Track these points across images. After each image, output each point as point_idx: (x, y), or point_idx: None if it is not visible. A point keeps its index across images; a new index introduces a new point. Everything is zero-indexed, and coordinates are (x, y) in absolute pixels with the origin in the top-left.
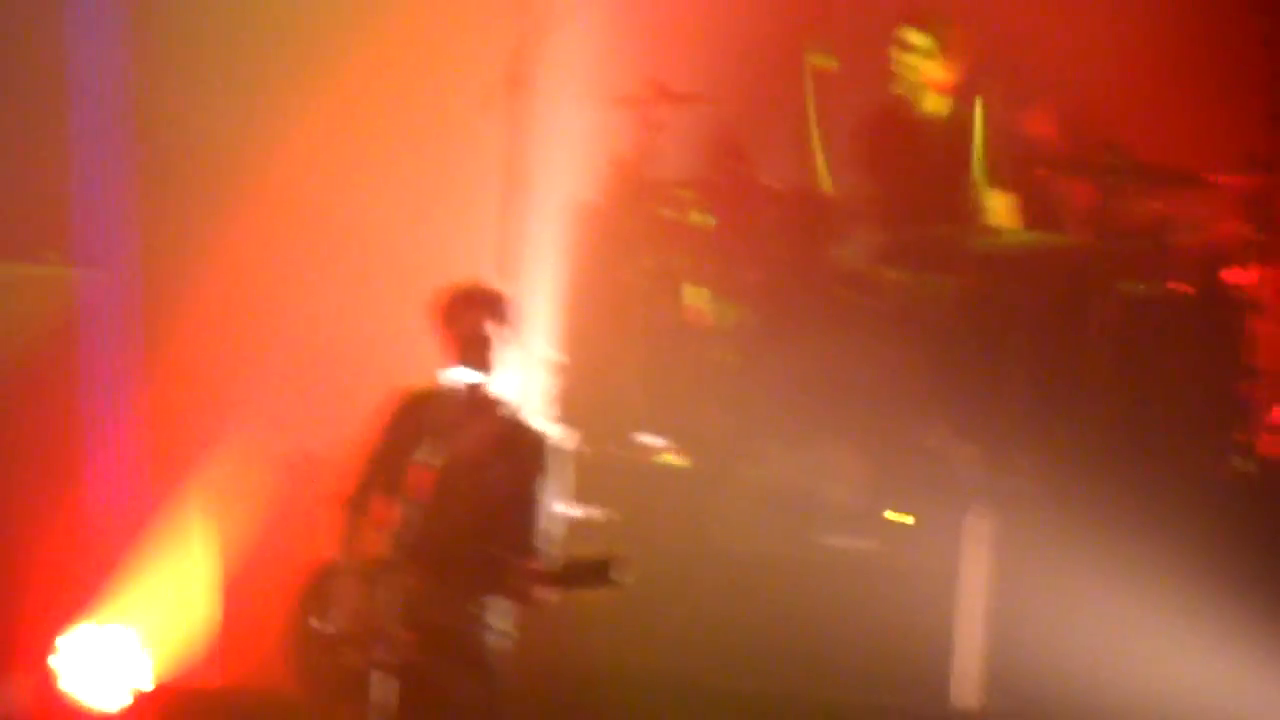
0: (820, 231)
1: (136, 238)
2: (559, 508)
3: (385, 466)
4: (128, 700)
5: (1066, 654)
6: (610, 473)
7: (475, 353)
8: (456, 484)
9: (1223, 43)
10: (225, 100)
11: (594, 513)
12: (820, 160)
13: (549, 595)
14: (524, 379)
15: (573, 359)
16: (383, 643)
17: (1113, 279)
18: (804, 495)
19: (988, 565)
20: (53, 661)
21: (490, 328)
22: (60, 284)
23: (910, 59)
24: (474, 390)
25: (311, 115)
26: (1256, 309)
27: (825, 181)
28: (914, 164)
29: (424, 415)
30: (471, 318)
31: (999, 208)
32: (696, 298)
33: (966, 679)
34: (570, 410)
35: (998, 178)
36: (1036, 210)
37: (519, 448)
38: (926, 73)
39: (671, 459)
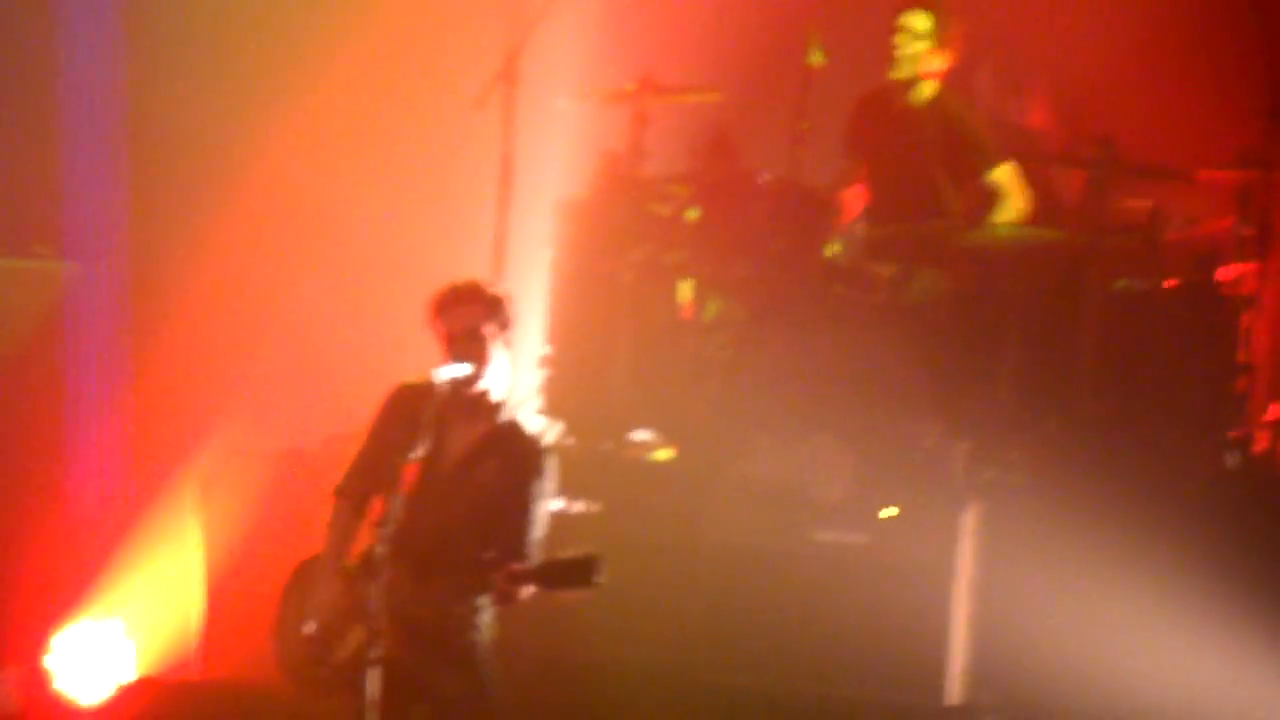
0: (809, 225)
1: (127, 232)
2: (548, 508)
3: (378, 461)
4: (115, 693)
5: (1057, 648)
6: (600, 467)
7: (468, 349)
8: (445, 482)
9: (1216, 39)
10: (217, 96)
11: (580, 507)
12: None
13: (530, 595)
14: (515, 374)
15: (563, 353)
16: (367, 637)
17: (1105, 274)
18: (794, 490)
19: (979, 560)
20: (41, 656)
21: (483, 324)
22: (50, 278)
23: (910, 46)
24: (467, 387)
25: (303, 111)
26: (1249, 305)
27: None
28: (901, 146)
29: (416, 411)
30: (464, 314)
31: (1004, 175)
32: (687, 292)
33: (957, 673)
34: (560, 405)
35: (1001, 154)
36: (1031, 204)
37: (512, 449)
38: (924, 61)
39: (661, 453)
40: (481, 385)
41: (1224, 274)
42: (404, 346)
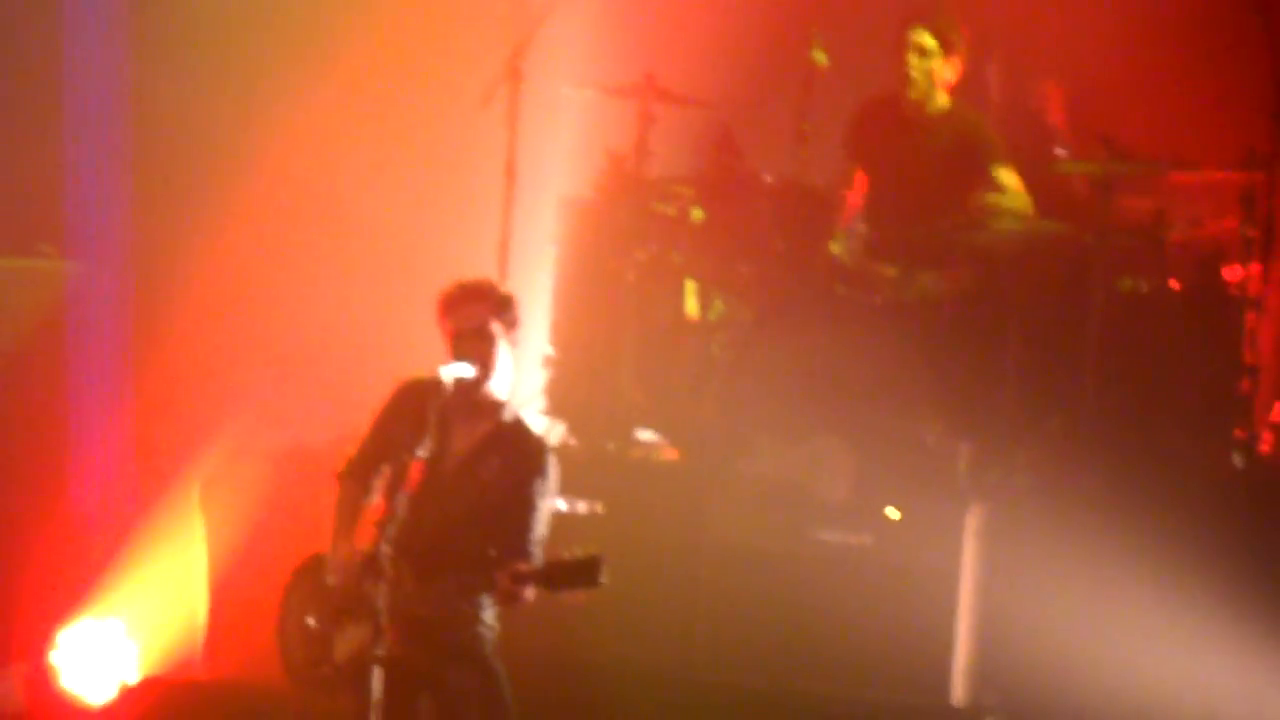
0: (814, 226)
1: (130, 232)
2: (551, 507)
3: (382, 449)
4: (118, 692)
5: (1061, 648)
6: (603, 467)
7: (474, 347)
8: (448, 479)
9: (1221, 41)
10: (220, 95)
11: (583, 507)
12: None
13: (533, 595)
14: (519, 374)
15: (567, 353)
16: (371, 635)
17: (1110, 275)
18: (798, 490)
19: (983, 560)
20: (46, 655)
21: (490, 323)
22: (53, 277)
23: (922, 64)
24: (472, 386)
25: (307, 109)
26: (1254, 306)
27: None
28: (910, 156)
29: (421, 408)
30: (471, 312)
31: (1011, 181)
32: (691, 292)
33: (961, 673)
34: (563, 404)
35: (1010, 158)
36: (1037, 202)
37: (515, 448)
38: (934, 73)
39: (665, 454)
40: (489, 384)
41: (1229, 275)
42: (409, 345)
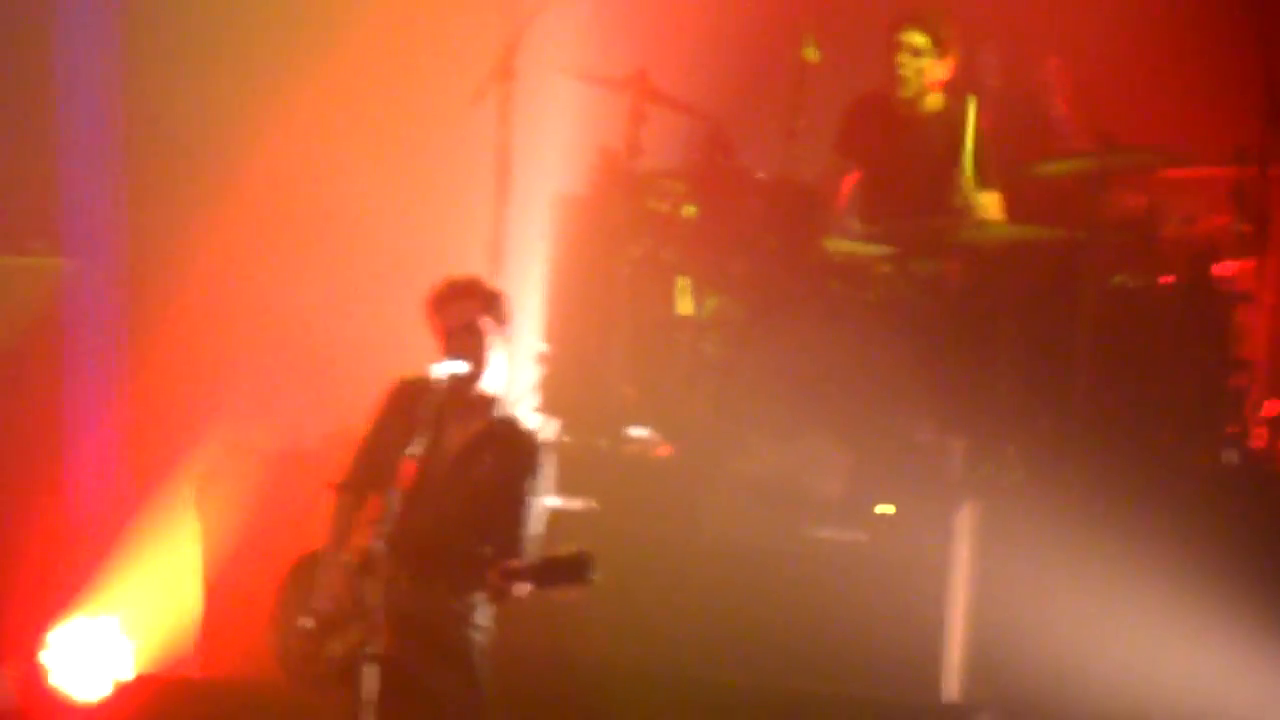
0: (808, 223)
1: (124, 229)
2: (543, 505)
3: (377, 455)
4: (112, 690)
5: (1055, 645)
6: (597, 465)
7: (464, 344)
8: (441, 478)
9: (1213, 37)
10: (213, 92)
11: (577, 504)
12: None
13: (524, 593)
14: (511, 370)
15: (559, 350)
16: (364, 634)
17: (1102, 271)
18: (792, 487)
19: (976, 557)
20: (39, 653)
21: (480, 320)
22: (47, 275)
23: (912, 64)
24: (463, 383)
25: (300, 106)
26: (1246, 301)
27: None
28: (902, 155)
29: (414, 407)
30: (461, 309)
31: (989, 204)
32: (684, 289)
33: (954, 670)
34: (557, 402)
35: (988, 174)
36: (1027, 201)
37: (508, 445)
38: (926, 72)
39: (658, 451)
40: (480, 381)
41: (1221, 270)
42: (402, 342)
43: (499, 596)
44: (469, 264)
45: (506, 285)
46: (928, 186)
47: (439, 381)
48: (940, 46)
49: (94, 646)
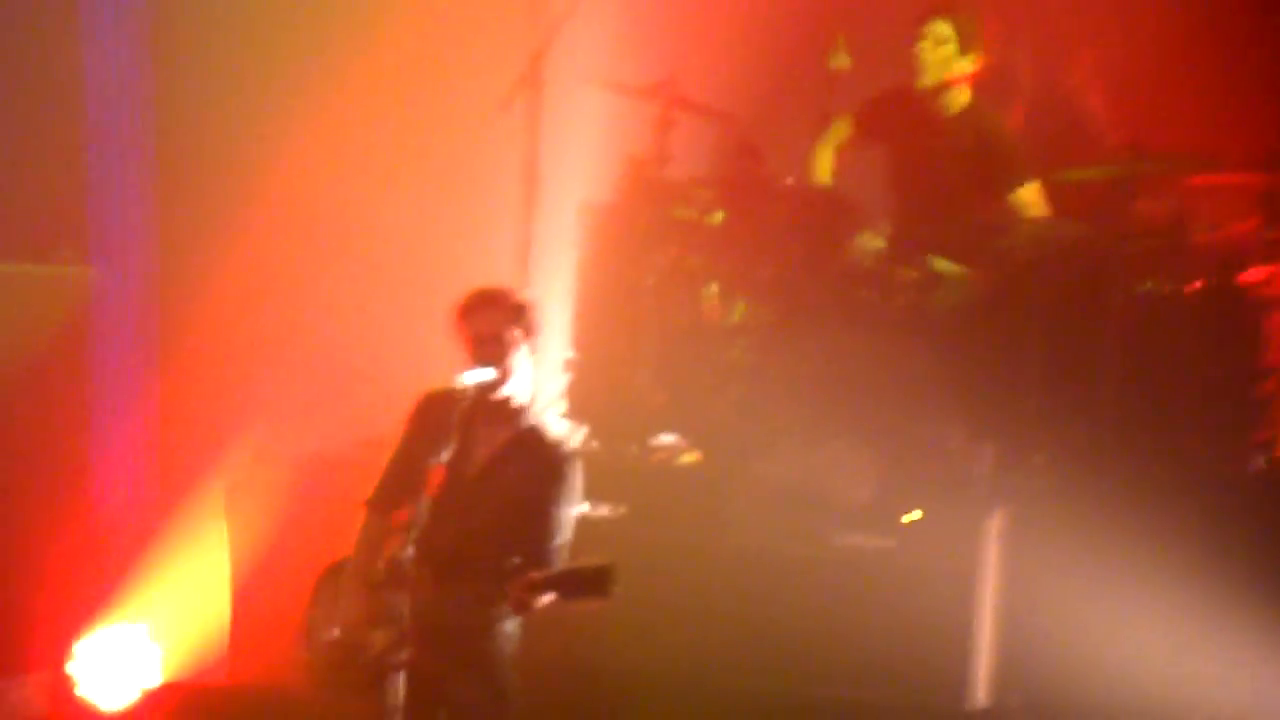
0: (834, 229)
1: (153, 237)
2: (572, 514)
3: (407, 470)
4: (140, 698)
5: (1082, 652)
6: (625, 471)
7: (491, 354)
8: (469, 487)
9: (1239, 41)
10: (242, 101)
11: (605, 511)
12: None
13: (546, 604)
14: (539, 379)
15: (587, 358)
16: (391, 643)
17: (1129, 277)
18: (819, 493)
19: (1004, 563)
20: (66, 661)
21: (507, 329)
22: (75, 283)
23: (933, 52)
24: (490, 392)
25: (329, 115)
26: (1274, 307)
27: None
28: (928, 153)
29: (442, 417)
30: (489, 318)
31: (1030, 197)
32: (711, 296)
33: (983, 676)
34: (585, 409)
35: (1025, 169)
36: (1057, 202)
37: (535, 454)
38: (951, 66)
39: (686, 457)
40: (506, 390)
41: (1248, 277)
42: (430, 351)
43: (520, 607)
44: (497, 272)
45: (535, 293)
46: (955, 189)
47: (466, 391)
48: (965, 40)
49: (122, 654)
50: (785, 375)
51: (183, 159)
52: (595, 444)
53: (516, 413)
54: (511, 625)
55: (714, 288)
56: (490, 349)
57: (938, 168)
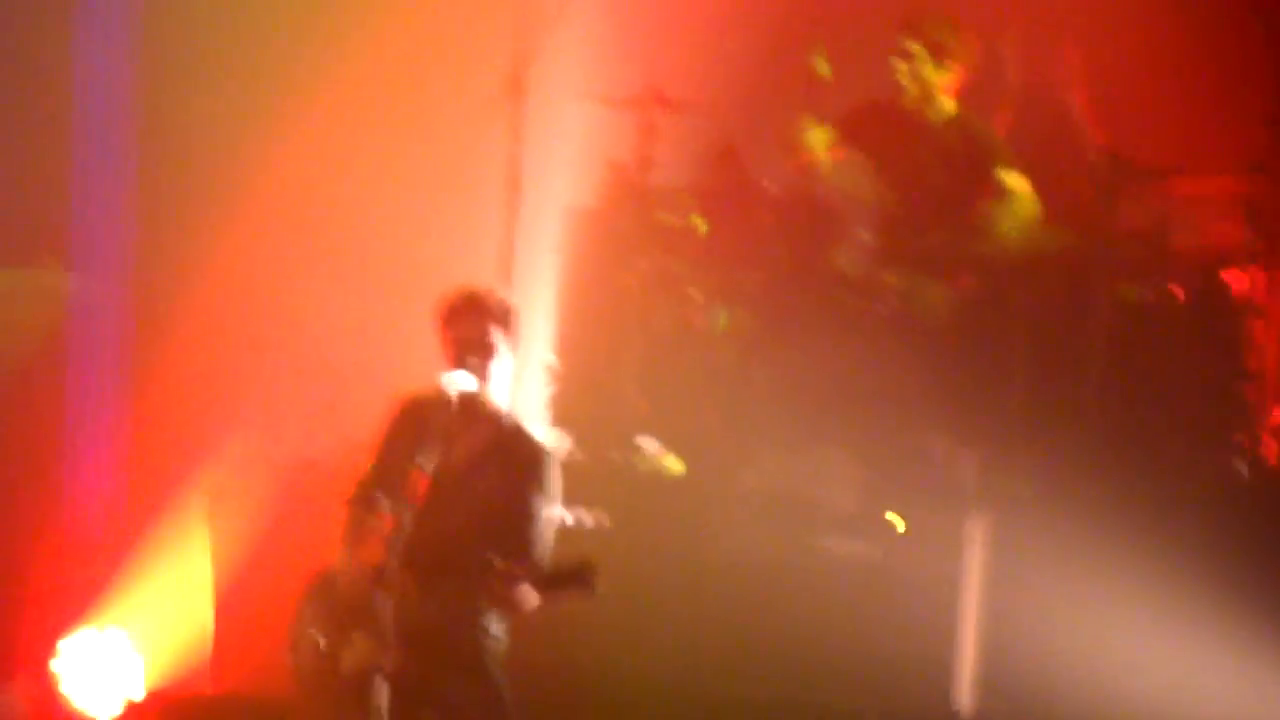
0: (818, 235)
1: (134, 244)
2: (552, 513)
3: (387, 471)
4: (124, 708)
5: (1065, 657)
6: (607, 478)
7: (473, 357)
8: (450, 490)
9: (1222, 46)
10: (225, 108)
11: (588, 518)
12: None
13: (531, 602)
14: (519, 383)
15: (570, 363)
16: (377, 648)
17: (1112, 282)
18: (803, 500)
19: (989, 569)
20: (49, 668)
21: (489, 333)
22: (56, 289)
23: (909, 68)
24: (471, 395)
25: (311, 120)
26: (1255, 312)
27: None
28: (912, 166)
29: (423, 420)
30: (470, 322)
31: (1021, 188)
32: (694, 302)
33: (965, 682)
34: (567, 415)
35: (1016, 166)
36: (1043, 204)
37: (515, 456)
38: (929, 79)
39: (669, 464)
40: (488, 393)
41: (1232, 282)
42: (412, 354)
43: (503, 603)
44: (479, 276)
45: (517, 299)
46: (940, 196)
47: (448, 394)
48: (940, 54)
49: (105, 662)
50: (769, 382)
51: (164, 166)
52: (578, 451)
53: (495, 415)
54: (498, 627)
55: (697, 294)
56: (473, 352)
57: (923, 176)
